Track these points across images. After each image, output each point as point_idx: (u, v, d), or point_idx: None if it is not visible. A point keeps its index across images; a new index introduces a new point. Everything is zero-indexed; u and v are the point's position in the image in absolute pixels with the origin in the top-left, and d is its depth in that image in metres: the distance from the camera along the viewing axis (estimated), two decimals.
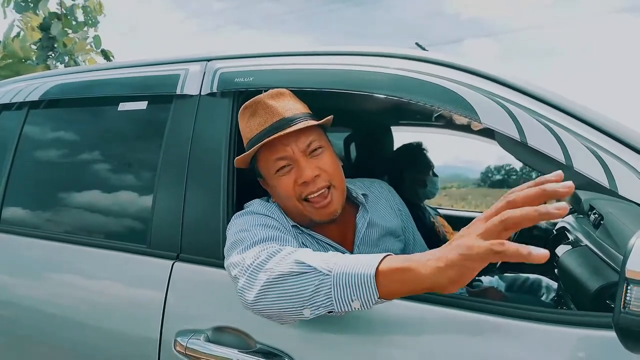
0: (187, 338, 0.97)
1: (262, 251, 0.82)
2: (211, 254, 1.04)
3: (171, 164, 1.15)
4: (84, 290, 1.18)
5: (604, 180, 0.79)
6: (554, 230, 1.82)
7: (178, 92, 1.19)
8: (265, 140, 0.96)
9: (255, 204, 1.04)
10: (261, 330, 0.93)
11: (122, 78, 1.30)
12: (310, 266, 0.73)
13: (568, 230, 1.60)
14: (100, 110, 1.34)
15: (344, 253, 1.02)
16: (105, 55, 5.60)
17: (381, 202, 1.16)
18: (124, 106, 1.27)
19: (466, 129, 2.07)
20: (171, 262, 1.07)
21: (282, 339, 0.92)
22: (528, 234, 1.79)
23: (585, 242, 1.34)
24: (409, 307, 0.86)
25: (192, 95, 1.17)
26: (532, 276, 1.84)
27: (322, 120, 1.02)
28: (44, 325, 1.19)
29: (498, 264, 1.88)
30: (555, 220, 2.01)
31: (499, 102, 0.88)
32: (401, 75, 0.96)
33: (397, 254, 1.09)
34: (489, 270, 1.87)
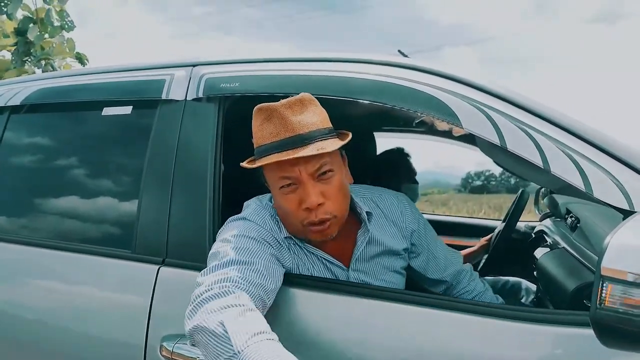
0: (173, 343, 0.97)
1: (216, 284, 0.83)
2: (198, 258, 1.04)
3: (156, 168, 1.15)
4: (68, 296, 1.17)
5: (580, 184, 0.83)
6: (532, 234, 1.87)
7: (163, 97, 1.19)
8: (272, 160, 0.92)
9: (252, 208, 1.03)
10: None
11: (106, 83, 1.30)
12: (226, 335, 0.73)
13: (546, 233, 1.65)
14: (84, 115, 1.33)
15: (339, 267, 1.04)
16: (80, 59, 5.52)
17: (387, 220, 1.11)
18: (108, 111, 1.27)
19: (447, 134, 2.11)
20: (157, 266, 1.07)
21: None
22: (507, 238, 1.83)
23: (563, 244, 1.38)
24: (392, 308, 0.89)
25: (177, 100, 1.18)
26: (512, 279, 1.87)
27: (338, 145, 0.95)
28: (26, 333, 1.17)
29: (479, 267, 1.92)
30: (534, 224, 2.06)
31: (479, 109, 0.91)
32: (385, 82, 0.99)
33: (397, 271, 1.11)
34: None
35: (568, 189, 1.73)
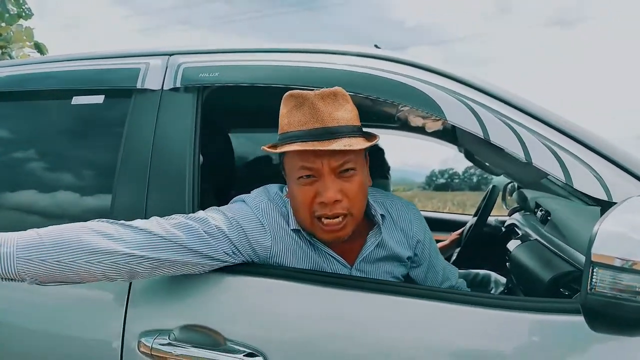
0: (152, 338, 0.94)
1: (140, 225, 0.92)
2: None
3: (132, 160, 1.11)
4: (36, 294, 1.11)
5: (560, 175, 0.85)
6: (503, 228, 1.92)
7: (138, 86, 1.15)
8: (297, 148, 0.90)
9: (262, 196, 1.03)
10: (231, 328, 0.92)
11: (77, 71, 1.24)
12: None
13: (517, 227, 1.70)
14: (52, 104, 1.27)
15: (342, 265, 1.03)
16: (39, 48, 5.27)
17: (397, 227, 1.10)
18: (78, 100, 1.21)
19: (419, 130, 2.14)
20: None
21: (252, 335, 0.91)
22: (479, 232, 1.88)
23: (535, 236, 1.43)
24: (378, 300, 0.89)
25: (153, 90, 1.14)
26: (482, 272, 1.92)
27: (365, 145, 0.93)
28: None
29: (451, 261, 1.96)
30: (504, 218, 2.12)
31: (463, 102, 0.92)
32: (371, 74, 0.99)
33: (398, 278, 1.11)
34: None
35: (537, 184, 1.79)
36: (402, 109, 1.53)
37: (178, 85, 1.12)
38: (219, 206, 1.03)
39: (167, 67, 1.15)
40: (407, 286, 0.94)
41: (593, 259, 0.61)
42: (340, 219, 0.93)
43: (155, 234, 0.90)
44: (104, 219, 0.93)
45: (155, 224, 0.93)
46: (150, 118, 1.12)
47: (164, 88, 1.13)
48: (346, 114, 0.93)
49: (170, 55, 1.17)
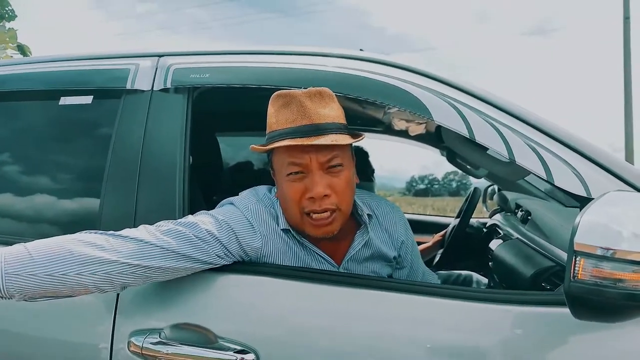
0: (142, 338, 0.94)
1: (133, 232, 0.92)
2: None
3: (121, 160, 1.10)
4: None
5: (541, 173, 0.89)
6: (484, 228, 1.97)
7: (128, 86, 1.15)
8: (285, 143, 0.92)
9: (251, 198, 1.03)
10: (221, 325, 0.93)
11: (64, 71, 1.23)
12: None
13: (499, 227, 1.75)
14: (40, 105, 1.26)
15: (331, 264, 1.04)
16: (22, 50, 5.19)
17: (382, 227, 1.13)
18: (65, 100, 1.21)
19: (402, 134, 2.18)
20: None
21: (243, 331, 0.92)
22: (462, 233, 1.92)
23: (516, 235, 1.47)
24: (371, 295, 0.91)
25: (143, 91, 1.14)
26: (464, 272, 1.96)
27: (351, 141, 0.96)
28: None
29: (434, 262, 1.99)
30: (485, 220, 2.17)
31: (449, 103, 0.96)
32: (361, 76, 1.01)
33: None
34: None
35: (517, 185, 1.83)
36: (388, 111, 1.56)
37: (168, 86, 1.13)
38: (207, 207, 1.04)
39: (157, 68, 1.16)
40: (395, 281, 0.97)
41: (576, 248, 0.64)
42: (328, 213, 0.95)
43: (146, 242, 0.90)
44: (93, 230, 0.92)
45: (145, 232, 0.92)
46: (141, 118, 1.12)
47: (154, 89, 1.14)
48: (332, 111, 0.97)
49: (160, 56, 1.18)
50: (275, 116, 0.97)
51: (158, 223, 0.95)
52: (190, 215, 0.99)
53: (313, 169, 0.93)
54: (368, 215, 1.07)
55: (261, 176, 1.18)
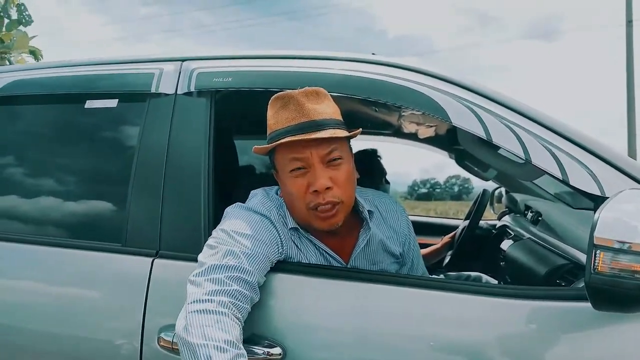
0: (172, 333, 0.97)
1: (215, 295, 0.86)
2: (193, 249, 1.03)
3: (148, 161, 1.14)
4: (50, 297, 1.12)
5: (557, 173, 0.92)
6: (494, 230, 2.00)
7: (153, 90, 1.19)
8: (287, 140, 0.96)
9: (258, 198, 1.05)
10: (248, 319, 0.96)
11: (90, 75, 1.27)
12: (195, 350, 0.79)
13: (509, 228, 1.78)
14: (67, 108, 1.30)
15: (338, 262, 1.07)
16: (34, 54, 5.25)
17: (386, 222, 1.15)
18: (92, 104, 1.25)
19: (412, 137, 2.22)
20: (151, 259, 1.07)
21: (269, 327, 0.95)
22: (472, 234, 1.95)
23: (527, 235, 1.50)
24: (396, 291, 0.94)
25: (167, 94, 1.18)
26: (473, 273, 1.98)
27: (348, 134, 1.01)
28: (14, 335, 1.12)
29: (444, 263, 2.02)
30: (494, 222, 2.20)
31: (466, 105, 0.99)
32: (381, 80, 1.05)
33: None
34: (435, 269, 2.01)
35: (524, 188, 1.86)
36: (403, 114, 1.60)
37: (192, 89, 1.17)
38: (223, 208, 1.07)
39: (180, 72, 1.20)
40: (415, 277, 1.00)
41: (595, 242, 0.68)
42: (331, 205, 0.98)
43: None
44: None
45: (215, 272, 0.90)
46: (165, 120, 1.16)
47: (178, 92, 1.18)
48: (329, 109, 1.01)
49: (183, 61, 1.22)
50: (275, 118, 1.01)
51: (209, 265, 0.92)
52: (223, 246, 0.95)
53: (314, 163, 0.97)
54: (369, 211, 1.11)
55: (264, 180, 1.21)
